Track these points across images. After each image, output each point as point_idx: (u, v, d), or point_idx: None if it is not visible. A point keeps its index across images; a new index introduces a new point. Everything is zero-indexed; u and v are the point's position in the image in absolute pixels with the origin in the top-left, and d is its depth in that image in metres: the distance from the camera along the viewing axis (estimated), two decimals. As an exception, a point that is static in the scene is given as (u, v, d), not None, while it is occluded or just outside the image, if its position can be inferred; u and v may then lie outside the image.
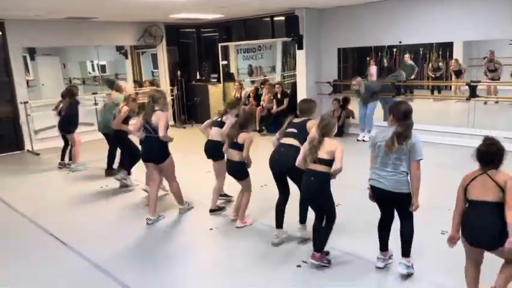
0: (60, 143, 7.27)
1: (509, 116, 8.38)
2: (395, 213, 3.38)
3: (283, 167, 3.84)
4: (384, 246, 3.45)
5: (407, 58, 9.57)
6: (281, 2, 8.01)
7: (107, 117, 6.08)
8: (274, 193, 4.09)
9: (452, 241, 2.83)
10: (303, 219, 4.11)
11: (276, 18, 9.96)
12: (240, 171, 4.36)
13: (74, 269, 3.75)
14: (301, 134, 3.80)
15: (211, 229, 4.47)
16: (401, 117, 3.16)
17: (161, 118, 4.50)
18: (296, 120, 4.00)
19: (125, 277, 3.53)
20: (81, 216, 5.04)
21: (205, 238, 4.36)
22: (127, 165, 6.03)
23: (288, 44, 10.80)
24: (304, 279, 3.44)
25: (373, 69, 9.90)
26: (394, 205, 3.32)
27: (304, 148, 3.54)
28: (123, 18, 9.57)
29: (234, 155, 4.31)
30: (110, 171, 6.41)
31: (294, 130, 3.87)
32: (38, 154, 8.29)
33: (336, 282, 3.38)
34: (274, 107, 9.53)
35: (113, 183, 6.06)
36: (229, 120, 4.66)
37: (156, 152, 4.62)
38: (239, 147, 4.28)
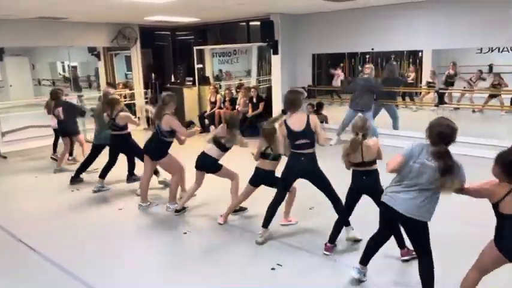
0: (27, 145, 7.04)
1: (477, 122, 8.72)
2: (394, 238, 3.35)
3: (308, 172, 3.94)
4: (365, 261, 3.30)
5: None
6: (256, 7, 8.06)
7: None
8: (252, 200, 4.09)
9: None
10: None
11: (251, 23, 10.01)
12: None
13: (44, 275, 3.65)
14: (312, 139, 3.90)
15: (185, 233, 4.44)
16: (437, 140, 2.74)
17: (171, 122, 4.73)
18: (295, 126, 3.87)
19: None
20: (51, 221, 4.90)
21: (178, 240, 4.32)
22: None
23: (263, 48, 10.88)
24: (278, 281, 3.46)
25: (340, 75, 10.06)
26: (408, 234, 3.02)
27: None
28: (96, 19, 9.40)
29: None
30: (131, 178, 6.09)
31: (307, 141, 3.87)
32: (5, 157, 8.01)
33: (313, 285, 3.41)
34: (250, 111, 9.56)
35: (84, 186, 5.96)
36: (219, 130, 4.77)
37: (153, 149, 4.89)
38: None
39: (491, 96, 9.01)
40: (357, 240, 3.96)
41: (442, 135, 2.71)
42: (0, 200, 5.71)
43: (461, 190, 2.75)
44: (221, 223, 4.53)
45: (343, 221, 3.85)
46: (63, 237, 4.42)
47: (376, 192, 3.45)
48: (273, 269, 3.62)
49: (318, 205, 4.84)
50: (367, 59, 10.19)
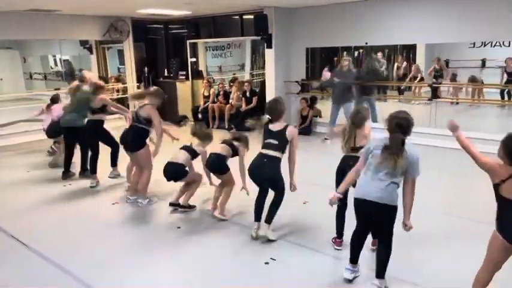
0: (18, 139, 6.93)
1: (467, 116, 8.77)
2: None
3: (266, 178, 3.95)
4: (354, 259, 3.32)
5: (379, 55, 9.80)
6: (249, 0, 8.01)
7: (80, 110, 5.79)
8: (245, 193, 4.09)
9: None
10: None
11: (245, 17, 9.96)
12: (224, 165, 4.54)
13: (35, 269, 3.62)
14: (282, 145, 3.89)
15: (179, 227, 4.43)
16: (393, 128, 2.95)
17: (152, 112, 4.85)
18: (274, 127, 3.95)
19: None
20: (41, 216, 4.86)
21: (175, 236, 4.31)
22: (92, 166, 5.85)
23: (257, 42, 10.84)
24: (272, 276, 3.47)
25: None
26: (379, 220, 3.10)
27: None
28: (88, 12, 9.29)
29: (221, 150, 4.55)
30: (84, 173, 6.09)
31: (276, 142, 3.89)
32: (-4, 151, 7.93)
33: (307, 279, 3.42)
34: (243, 105, 9.53)
35: (75, 181, 5.92)
36: (202, 151, 4.72)
37: (131, 139, 4.86)
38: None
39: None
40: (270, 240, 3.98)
41: (399, 125, 2.93)
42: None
43: (462, 142, 2.82)
44: (219, 216, 4.52)
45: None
46: (55, 232, 4.39)
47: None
48: (266, 263, 3.62)
49: (312, 199, 4.86)
50: (361, 53, 10.20)
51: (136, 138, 4.88)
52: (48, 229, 4.46)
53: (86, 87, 5.94)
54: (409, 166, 2.91)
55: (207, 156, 4.63)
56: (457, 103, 9.28)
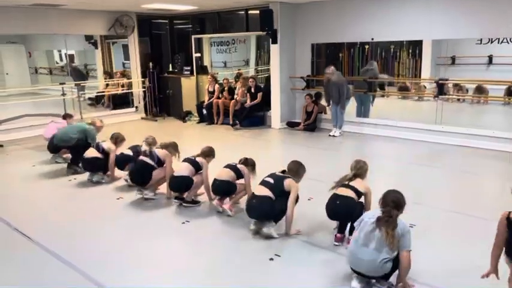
0: (24, 134, 6.96)
1: (473, 113, 8.71)
2: None
3: (258, 214, 3.98)
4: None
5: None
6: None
7: (68, 134, 6.17)
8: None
9: (488, 276, 2.71)
10: None
11: (250, 12, 9.92)
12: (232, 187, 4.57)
13: (40, 264, 3.64)
14: (277, 187, 3.91)
15: (183, 223, 4.43)
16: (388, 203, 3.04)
17: (168, 159, 4.99)
18: (278, 173, 4.05)
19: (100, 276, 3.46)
20: (47, 209, 4.88)
21: (180, 231, 4.32)
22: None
23: (262, 38, 10.79)
24: (276, 272, 3.46)
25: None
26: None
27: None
28: (93, 7, 9.28)
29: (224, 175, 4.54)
30: (72, 166, 6.18)
31: (271, 181, 3.94)
32: (2, 145, 7.96)
33: (311, 275, 3.42)
34: (248, 100, 9.51)
35: (81, 176, 5.93)
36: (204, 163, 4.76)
37: (143, 176, 5.00)
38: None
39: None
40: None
41: (394, 201, 3.03)
42: (-4, 188, 5.68)
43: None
44: (226, 210, 4.52)
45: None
46: (59, 226, 4.40)
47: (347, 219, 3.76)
48: (271, 259, 3.62)
49: (316, 196, 4.84)
50: (366, 49, 10.12)
51: (146, 172, 4.96)
52: (53, 223, 4.48)
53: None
54: (400, 239, 2.93)
55: (211, 180, 4.64)
56: (464, 100, 9.20)
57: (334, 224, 3.96)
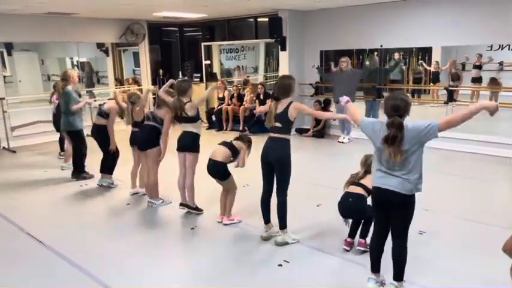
0: (36, 140, 7.08)
1: (486, 119, 8.62)
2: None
3: (272, 157, 3.86)
4: (375, 268, 3.16)
5: (396, 55, 9.72)
6: (264, 3, 8.04)
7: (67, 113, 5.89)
8: (258, 192, 4.09)
9: None
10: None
11: (259, 19, 9.99)
12: (222, 171, 4.38)
13: (52, 268, 3.69)
14: (286, 126, 3.85)
15: (192, 228, 4.46)
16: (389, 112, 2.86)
17: (167, 117, 4.81)
18: (279, 109, 3.85)
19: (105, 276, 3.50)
20: (56, 215, 4.95)
21: (187, 237, 4.34)
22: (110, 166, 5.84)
23: (271, 45, 10.85)
24: (285, 278, 3.46)
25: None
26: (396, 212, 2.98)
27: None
28: (105, 15, 9.44)
29: (219, 155, 4.34)
30: (79, 174, 6.14)
31: (279, 125, 3.85)
32: (15, 152, 8.09)
33: (319, 282, 3.41)
34: (257, 107, 9.53)
35: (92, 182, 5.98)
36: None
37: (146, 138, 4.90)
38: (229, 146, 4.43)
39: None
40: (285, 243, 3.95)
41: (395, 107, 2.82)
42: (9, 193, 5.75)
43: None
44: (229, 222, 4.49)
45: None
46: (70, 231, 4.45)
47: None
48: (280, 265, 3.62)
49: (325, 202, 4.84)
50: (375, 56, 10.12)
51: (151, 136, 4.92)
52: (64, 228, 4.53)
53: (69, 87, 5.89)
54: (422, 136, 2.77)
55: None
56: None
57: (344, 230, 3.95)
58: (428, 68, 9.78)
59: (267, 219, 4.09)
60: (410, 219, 2.95)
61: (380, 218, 3.11)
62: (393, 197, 2.86)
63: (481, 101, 2.71)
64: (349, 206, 3.75)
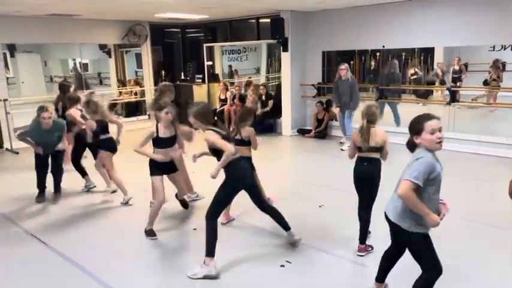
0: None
1: (487, 120, 8.61)
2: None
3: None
4: (380, 277, 3.04)
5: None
6: (266, 4, 8.05)
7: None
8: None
9: None
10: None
11: (261, 20, 10.01)
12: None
13: (54, 268, 3.70)
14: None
15: (194, 229, 4.46)
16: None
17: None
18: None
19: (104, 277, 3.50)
20: (61, 216, 4.96)
21: (190, 237, 4.35)
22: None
23: (273, 46, 10.87)
24: (288, 279, 3.47)
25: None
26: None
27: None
28: (107, 16, 9.47)
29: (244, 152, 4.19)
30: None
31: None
32: (17, 153, 8.12)
33: (319, 282, 3.41)
34: (259, 108, 9.56)
35: (97, 187, 5.97)
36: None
37: None
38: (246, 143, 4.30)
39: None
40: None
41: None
42: (11, 195, 5.77)
43: None
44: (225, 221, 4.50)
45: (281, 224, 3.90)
46: (77, 235, 4.47)
47: (373, 183, 3.56)
48: (282, 266, 3.62)
49: (327, 203, 4.84)
50: (378, 57, 10.11)
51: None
52: (70, 232, 4.55)
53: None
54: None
55: None
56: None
57: (347, 230, 3.93)
58: (440, 73, 9.68)
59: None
60: None
61: None
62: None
63: (431, 215, 2.68)
64: (363, 172, 3.62)
